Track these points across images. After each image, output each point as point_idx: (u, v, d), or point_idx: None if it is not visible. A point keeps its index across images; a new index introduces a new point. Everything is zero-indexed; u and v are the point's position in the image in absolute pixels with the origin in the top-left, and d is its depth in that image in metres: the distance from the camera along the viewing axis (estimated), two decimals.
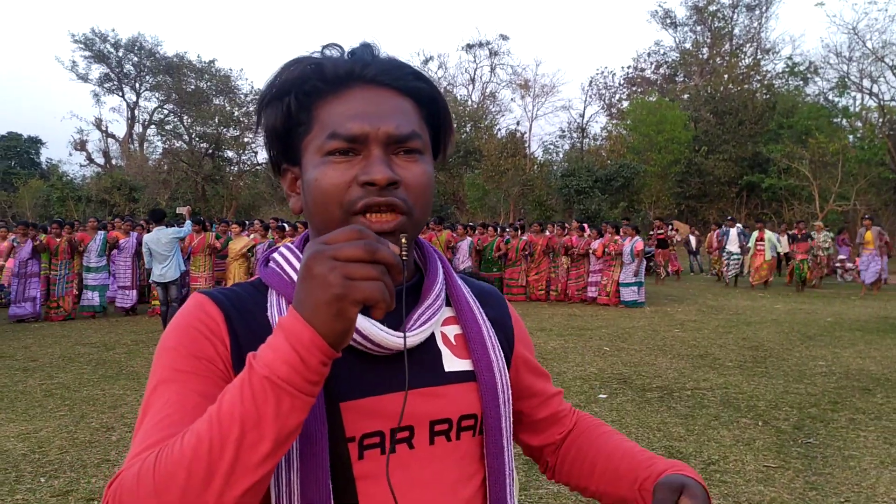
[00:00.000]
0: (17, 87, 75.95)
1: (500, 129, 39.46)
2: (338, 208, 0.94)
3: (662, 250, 20.51)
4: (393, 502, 0.93)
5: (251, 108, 41.05)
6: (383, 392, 0.96)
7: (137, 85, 42.24)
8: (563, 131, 42.61)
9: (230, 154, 41.64)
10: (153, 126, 43.12)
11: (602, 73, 44.29)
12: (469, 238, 15.86)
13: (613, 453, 1.15)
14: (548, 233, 16.23)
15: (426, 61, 42.53)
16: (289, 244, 1.07)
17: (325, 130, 0.95)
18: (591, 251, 14.91)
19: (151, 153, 43.01)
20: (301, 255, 1.03)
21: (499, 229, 17.22)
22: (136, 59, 41.05)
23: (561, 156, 41.43)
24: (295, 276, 1.00)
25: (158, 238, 10.46)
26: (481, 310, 1.12)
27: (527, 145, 38.87)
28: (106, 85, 41.70)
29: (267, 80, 1.01)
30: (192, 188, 38.43)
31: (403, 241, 0.87)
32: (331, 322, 0.73)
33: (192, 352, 0.92)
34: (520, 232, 16.79)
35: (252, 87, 41.73)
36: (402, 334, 0.94)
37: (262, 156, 42.40)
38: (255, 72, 62.01)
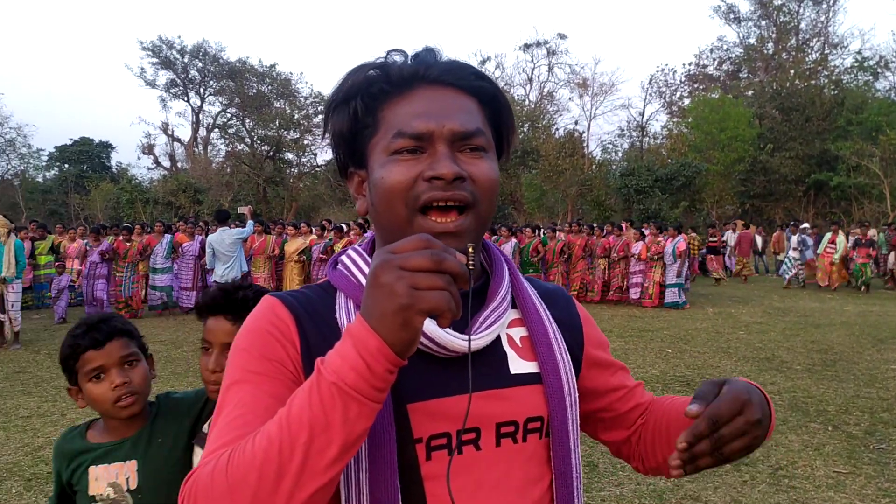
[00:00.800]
0: (90, 95, 78.84)
1: (557, 129, 39.20)
2: (403, 205, 0.96)
3: (715, 256, 19.99)
4: (463, 500, 0.95)
5: (311, 111, 41.78)
6: (450, 394, 0.98)
7: (202, 90, 43.37)
8: (623, 130, 42.12)
9: (290, 156, 42.43)
10: (216, 129, 44.21)
11: (663, 70, 43.42)
12: (514, 240, 15.60)
13: (680, 406, 1.12)
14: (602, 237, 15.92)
15: (483, 62, 42.53)
16: (356, 247, 1.10)
17: (390, 130, 0.98)
18: (632, 255, 14.64)
19: (215, 156, 44.13)
20: (367, 258, 1.06)
21: (539, 231, 16.94)
22: (200, 64, 42.16)
23: (620, 155, 40.89)
24: (362, 279, 1.03)
25: (222, 238, 10.55)
26: (547, 311, 1.12)
27: (585, 145, 38.51)
28: (172, 90, 42.94)
29: (333, 86, 1.05)
30: (253, 190, 39.26)
31: (471, 249, 0.87)
32: (397, 331, 0.74)
33: (263, 353, 0.95)
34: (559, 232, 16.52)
35: (312, 90, 42.43)
36: (468, 337, 0.95)
37: (322, 158, 42.99)
38: (315, 75, 62.96)
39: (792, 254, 18.23)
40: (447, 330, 0.96)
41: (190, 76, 42.63)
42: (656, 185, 29.11)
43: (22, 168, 44.31)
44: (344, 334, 0.79)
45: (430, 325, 0.95)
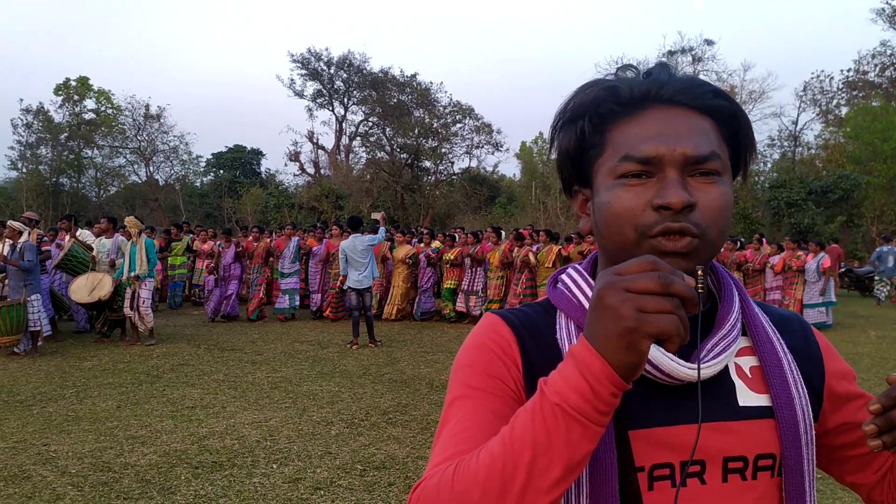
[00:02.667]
0: (245, 105, 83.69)
1: None
2: (632, 232, 0.93)
3: None
4: None
5: (449, 120, 42.43)
6: (674, 423, 0.94)
7: (346, 100, 44.98)
8: (773, 140, 39.83)
9: (428, 164, 43.25)
10: (358, 138, 45.69)
11: (818, 76, 40.52)
12: None
13: None
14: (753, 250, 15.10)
15: (625, 70, 41.49)
16: (577, 265, 1.09)
17: (618, 153, 0.95)
18: (769, 266, 13.82)
19: (356, 163, 45.58)
20: (589, 278, 1.04)
21: None
22: (345, 75, 43.76)
23: (769, 166, 38.85)
24: (583, 300, 1.01)
25: (354, 245, 10.55)
26: (781, 340, 1.04)
27: None
28: (318, 100, 44.78)
29: (561, 103, 1.02)
30: (392, 196, 40.32)
31: (700, 272, 0.83)
32: (622, 354, 0.73)
33: (486, 370, 0.96)
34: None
35: (451, 100, 43.00)
36: (693, 365, 0.92)
37: (458, 166, 43.60)
38: (453, 84, 64.01)
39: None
40: (671, 357, 0.93)
41: (335, 86, 44.34)
42: (810, 199, 27.49)
43: (183, 173, 47.67)
44: (566, 355, 0.78)
45: (654, 352, 0.92)
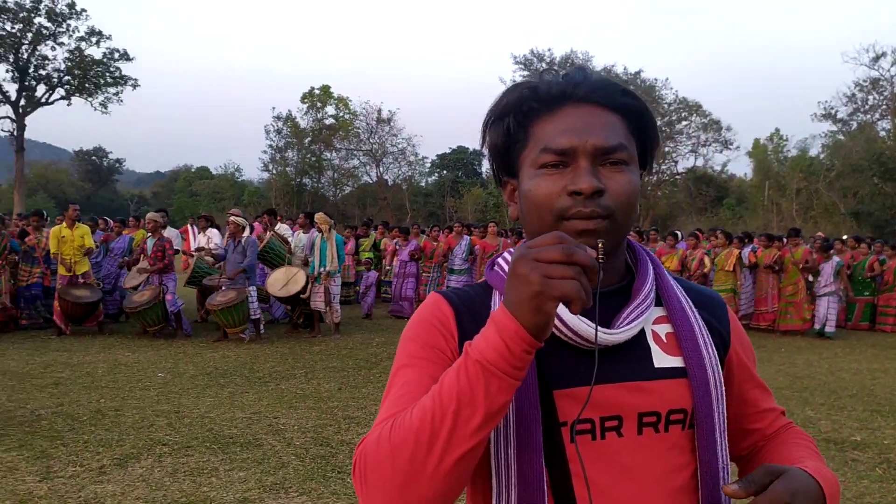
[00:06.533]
0: (468, 106, 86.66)
1: None
2: (549, 215, 1.05)
3: None
4: (606, 483, 1.03)
5: (674, 118, 40.93)
6: (595, 383, 1.03)
7: None
8: None
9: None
10: None
11: None
12: (836, 259, 12.67)
13: (787, 455, 1.14)
14: None
15: (876, 58, 37.55)
16: (511, 250, 1.19)
17: (538, 146, 1.08)
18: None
19: None
20: None
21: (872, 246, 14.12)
22: None
23: None
24: None
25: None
26: (694, 310, 1.17)
27: None
28: None
29: (491, 104, 1.16)
30: None
31: (600, 245, 0.97)
32: (532, 316, 0.84)
33: (427, 341, 1.10)
34: None
35: (676, 96, 41.44)
36: (610, 331, 1.05)
37: (682, 165, 41.92)
38: (679, 80, 61.47)
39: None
40: (589, 323, 1.04)
41: None
42: None
43: (409, 174, 50.38)
44: (488, 320, 0.90)
45: (574, 320, 1.05)
